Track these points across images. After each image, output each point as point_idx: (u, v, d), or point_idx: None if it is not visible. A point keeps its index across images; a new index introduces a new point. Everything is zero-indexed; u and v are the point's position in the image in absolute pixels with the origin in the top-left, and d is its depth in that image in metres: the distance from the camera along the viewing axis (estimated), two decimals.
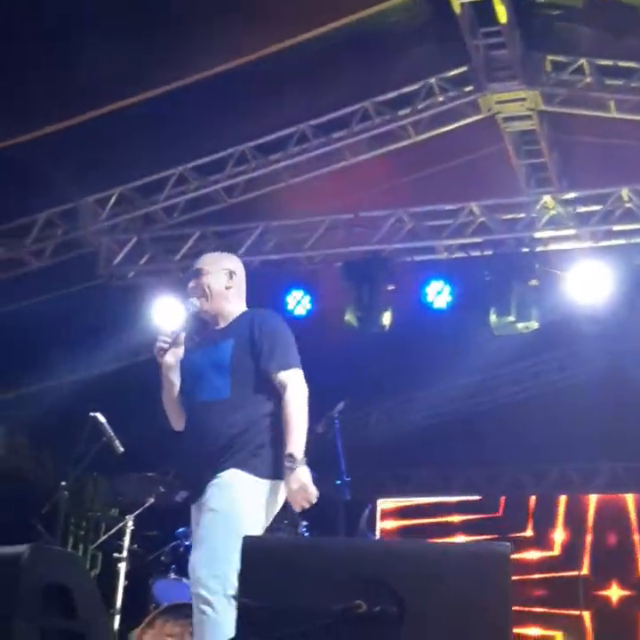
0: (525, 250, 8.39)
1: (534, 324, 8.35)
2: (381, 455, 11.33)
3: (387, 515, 12.33)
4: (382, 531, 12.12)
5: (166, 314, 8.96)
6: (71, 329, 8.91)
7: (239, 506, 3.96)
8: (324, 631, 3.04)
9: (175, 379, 4.30)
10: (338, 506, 6.34)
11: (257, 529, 4.05)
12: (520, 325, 8.37)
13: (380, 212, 8.55)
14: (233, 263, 4.42)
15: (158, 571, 6.75)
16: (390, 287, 8.59)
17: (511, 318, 8.31)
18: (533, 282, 8.29)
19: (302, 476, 3.97)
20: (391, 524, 12.28)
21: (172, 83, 7.00)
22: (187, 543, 6.70)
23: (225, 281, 4.33)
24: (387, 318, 8.68)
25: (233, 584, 3.78)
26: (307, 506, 4.05)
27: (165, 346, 4.23)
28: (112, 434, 6.28)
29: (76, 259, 8.51)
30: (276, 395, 4.12)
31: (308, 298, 9.12)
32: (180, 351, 4.28)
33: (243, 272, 4.45)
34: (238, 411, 4.06)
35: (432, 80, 7.94)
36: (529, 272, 8.30)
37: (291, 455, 3.96)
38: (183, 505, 7.17)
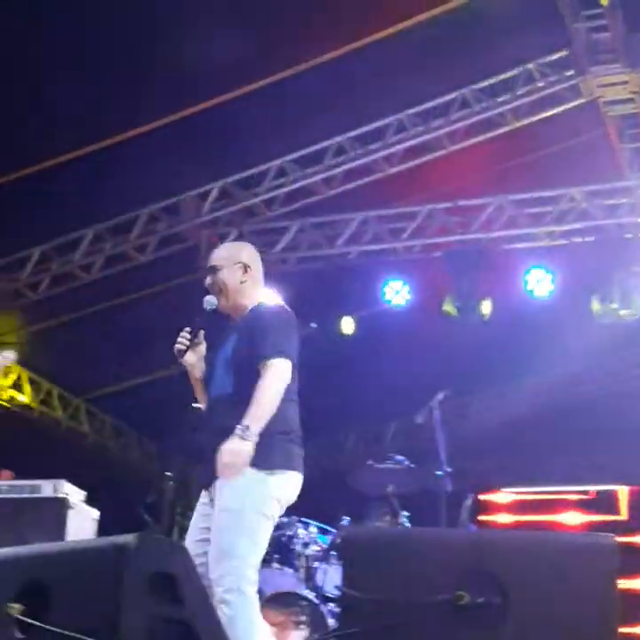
0: (628, 236, 8.23)
1: (638, 312, 8.19)
2: (482, 445, 11.23)
3: (492, 507, 12.19)
4: (486, 523, 11.99)
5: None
6: (173, 322, 9.04)
7: (247, 503, 3.94)
8: (426, 622, 3.04)
9: (200, 376, 4.30)
10: (439, 497, 6.31)
11: (269, 523, 4.05)
12: (623, 312, 8.21)
13: (478, 200, 8.48)
14: (247, 255, 4.35)
15: (262, 560, 6.80)
16: (490, 276, 8.51)
17: (614, 305, 8.17)
18: (637, 268, 8.12)
19: (243, 449, 3.90)
20: (498, 517, 12.15)
21: (275, 75, 7.04)
22: (289, 533, 6.75)
23: (240, 275, 4.26)
24: (486, 307, 8.60)
25: (248, 578, 3.87)
26: (226, 475, 3.93)
27: (183, 347, 4.24)
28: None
29: (179, 253, 8.63)
30: None
31: (406, 288, 9.10)
32: (202, 348, 4.29)
33: (258, 262, 4.39)
34: (242, 405, 3.99)
35: (531, 65, 7.83)
36: (632, 258, 8.13)
37: (246, 426, 3.90)
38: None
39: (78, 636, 2.97)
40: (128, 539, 3.11)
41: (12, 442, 9.61)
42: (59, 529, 6.37)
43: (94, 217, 8.38)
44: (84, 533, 6.54)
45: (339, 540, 6.60)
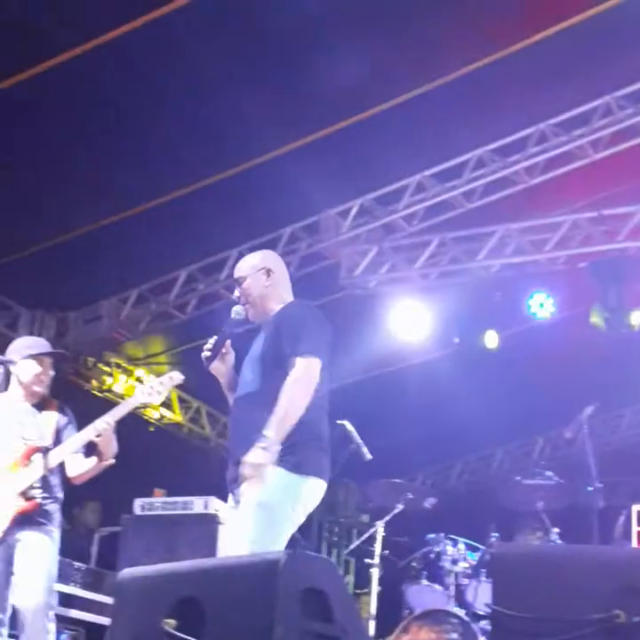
0: None
1: None
2: (636, 459, 10.92)
3: None
4: None
5: (408, 322, 9.03)
6: None
7: (279, 501, 3.90)
8: None
9: (229, 383, 4.29)
10: (591, 513, 6.17)
11: (290, 524, 3.99)
12: None
13: (624, 208, 8.27)
14: (268, 260, 4.37)
15: (410, 576, 6.79)
16: (638, 286, 8.29)
17: None
18: None
19: (264, 457, 3.82)
20: None
21: (413, 91, 7.04)
22: (437, 550, 6.71)
23: (263, 281, 4.28)
24: (636, 318, 8.38)
25: None
26: (252, 484, 3.86)
27: (209, 354, 4.21)
28: (360, 441, 6.39)
29: (320, 271, 8.70)
30: None
31: (551, 300, 8.94)
32: (231, 358, 4.28)
33: (281, 265, 4.41)
34: (270, 405, 3.93)
35: None
36: None
37: (266, 436, 3.83)
38: (432, 511, 7.23)
39: None
40: (279, 555, 3.14)
41: (162, 459, 9.86)
42: (210, 545, 6.48)
43: (237, 238, 8.54)
44: (235, 550, 6.62)
45: (488, 557, 6.52)
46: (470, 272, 8.71)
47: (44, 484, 5.01)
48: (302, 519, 4.05)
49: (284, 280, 4.37)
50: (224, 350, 4.25)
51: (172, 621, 3.22)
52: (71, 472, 5.10)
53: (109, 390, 9.94)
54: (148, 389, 5.21)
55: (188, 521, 6.68)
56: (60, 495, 5.10)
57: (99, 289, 8.87)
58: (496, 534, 6.73)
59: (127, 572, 3.65)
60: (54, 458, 4.99)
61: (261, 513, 3.87)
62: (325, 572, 3.33)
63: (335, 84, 6.81)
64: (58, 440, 5.11)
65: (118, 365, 10.00)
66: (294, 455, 3.92)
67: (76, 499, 5.17)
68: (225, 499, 6.86)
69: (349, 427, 6.39)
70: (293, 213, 8.38)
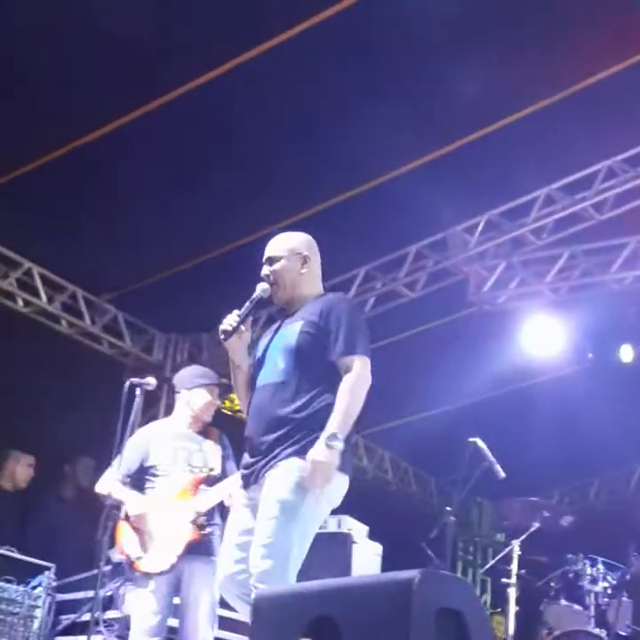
0: None
1: None
2: None
3: None
4: None
5: (539, 337, 8.90)
6: (446, 358, 9.08)
7: (306, 499, 3.80)
8: None
9: (243, 363, 4.14)
10: None
11: (316, 523, 3.94)
12: None
13: None
14: (306, 246, 4.25)
15: (548, 596, 6.66)
16: None
17: None
18: None
19: (333, 457, 3.76)
20: None
21: (539, 102, 6.96)
22: (576, 569, 6.58)
23: (299, 267, 4.17)
24: None
25: (292, 577, 3.75)
26: (318, 485, 3.78)
27: (230, 328, 4.04)
28: (493, 459, 6.31)
29: (447, 288, 8.65)
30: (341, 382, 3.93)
31: None
32: (247, 335, 4.11)
33: (317, 254, 4.29)
34: (301, 396, 3.89)
35: None
36: None
37: (333, 434, 3.75)
38: (569, 530, 7.08)
39: None
40: (413, 574, 3.13)
41: None
42: (344, 564, 6.49)
43: (364, 257, 8.56)
44: (368, 568, 6.64)
45: (629, 577, 6.36)
46: (603, 285, 8.53)
47: (209, 513, 5.10)
48: (326, 514, 4.06)
49: (317, 269, 4.29)
50: (244, 327, 4.10)
51: None
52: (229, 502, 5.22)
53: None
54: None
55: (322, 540, 6.70)
56: (220, 523, 5.18)
57: (230, 310, 8.99)
58: (636, 553, 6.55)
59: (263, 591, 3.69)
60: (225, 490, 5.06)
61: (287, 511, 3.78)
62: (460, 592, 3.30)
63: (461, 98, 6.78)
64: (223, 470, 5.21)
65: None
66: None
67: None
68: (356, 517, 6.90)
69: (481, 444, 6.32)
70: (419, 231, 8.36)
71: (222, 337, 4.04)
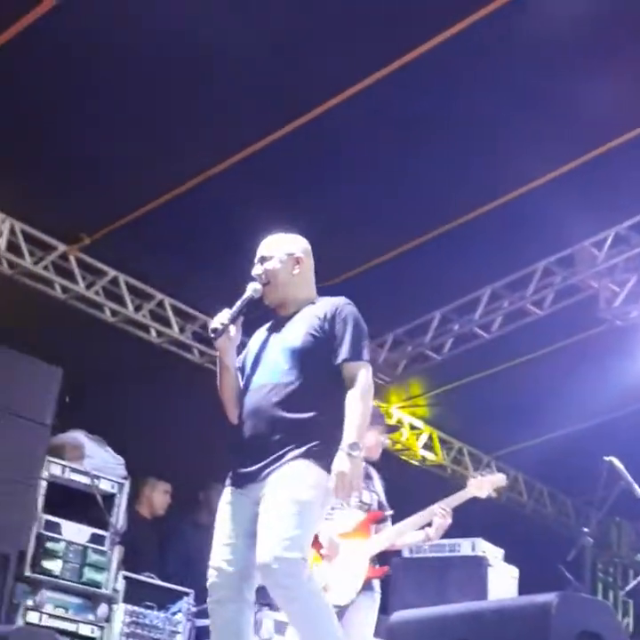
0: None
1: None
2: None
3: None
4: None
5: None
6: (577, 375, 8.93)
7: (312, 497, 3.74)
8: None
9: (231, 364, 4.04)
10: None
11: (319, 524, 3.90)
12: None
13: None
14: (301, 248, 4.18)
15: None
16: None
17: None
18: None
19: (357, 466, 3.71)
20: None
21: None
22: None
23: (291, 268, 4.11)
24: None
25: (305, 568, 3.66)
26: (344, 494, 3.73)
27: (220, 327, 3.94)
28: (630, 478, 6.18)
29: (576, 304, 8.52)
30: (343, 386, 3.88)
31: None
32: (237, 336, 4.02)
33: (311, 256, 4.21)
34: (307, 398, 3.84)
35: None
36: None
37: (354, 444, 3.72)
38: None
39: None
40: (551, 597, 3.10)
41: (425, 500, 9.89)
42: (480, 587, 6.45)
43: (490, 276, 8.51)
44: (504, 592, 6.57)
45: None
46: None
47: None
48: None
49: (310, 272, 4.23)
50: (234, 327, 4.02)
51: None
52: (397, 542, 5.33)
53: None
54: (479, 484, 5.48)
55: (457, 563, 6.68)
56: None
57: None
58: None
59: (399, 615, 3.70)
60: (400, 532, 5.21)
61: (302, 510, 3.72)
62: (601, 615, 3.26)
63: (586, 113, 6.69)
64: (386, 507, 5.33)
65: (381, 409, 10.15)
66: (330, 456, 3.82)
67: None
68: (491, 537, 6.84)
69: (617, 463, 6.20)
70: (547, 247, 8.26)
71: (212, 336, 3.99)
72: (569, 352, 8.87)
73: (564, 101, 6.65)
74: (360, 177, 7.20)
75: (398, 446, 10.31)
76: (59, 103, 6.44)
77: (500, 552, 6.86)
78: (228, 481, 3.98)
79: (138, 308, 8.32)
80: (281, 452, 3.82)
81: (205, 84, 6.35)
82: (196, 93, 6.43)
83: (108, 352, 8.07)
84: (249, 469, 3.87)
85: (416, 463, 10.52)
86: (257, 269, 4.11)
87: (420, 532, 5.29)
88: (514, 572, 6.83)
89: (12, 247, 7.57)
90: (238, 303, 4.01)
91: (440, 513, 5.22)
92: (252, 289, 4.05)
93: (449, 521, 5.25)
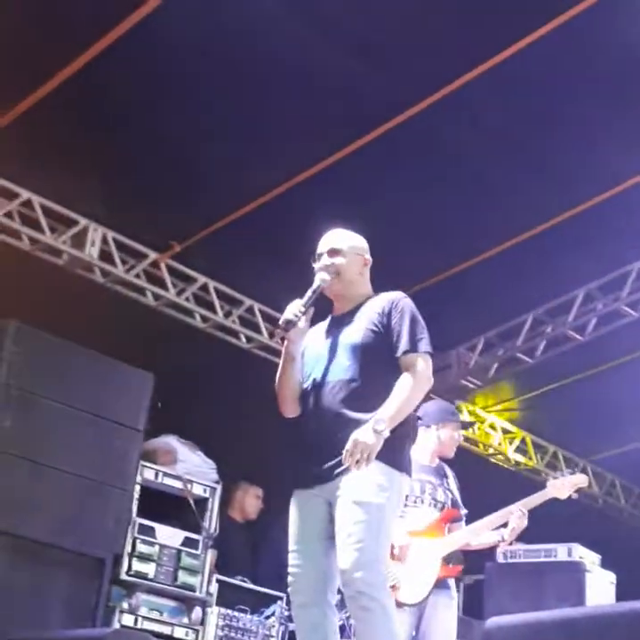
0: None
1: None
2: None
3: None
4: None
5: None
6: None
7: (386, 500, 3.68)
8: None
9: (298, 356, 4.00)
10: None
11: (394, 526, 3.83)
12: None
13: None
14: (366, 248, 4.18)
15: None
16: None
17: None
18: None
19: (378, 441, 3.61)
20: None
21: None
22: None
23: (359, 267, 4.10)
24: None
25: (386, 580, 3.67)
26: (354, 462, 3.60)
27: (295, 318, 3.88)
28: None
29: None
30: None
31: None
32: (306, 327, 3.97)
33: (371, 260, 4.19)
34: (372, 395, 3.75)
35: None
36: None
37: (382, 420, 3.63)
38: None
39: None
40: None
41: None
42: (578, 593, 6.33)
43: (584, 277, 8.38)
44: (603, 598, 6.45)
45: None
46: None
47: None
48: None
49: (368, 276, 4.20)
50: (305, 318, 3.98)
51: None
52: (472, 542, 5.24)
53: (466, 438, 10.02)
54: (559, 485, 5.43)
55: (553, 568, 6.57)
56: None
57: (446, 338, 8.97)
58: None
59: (495, 621, 3.63)
60: (475, 531, 5.15)
61: (378, 516, 3.68)
62: None
63: None
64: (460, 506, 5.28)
65: (470, 413, 10.06)
66: (400, 452, 3.80)
67: None
68: (588, 543, 6.71)
69: None
70: (590, 271, 8.16)
71: (284, 327, 3.94)
72: None
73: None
74: (452, 179, 7.17)
75: (490, 451, 10.21)
76: (149, 108, 6.52)
77: (597, 557, 6.73)
78: (295, 482, 3.98)
79: (228, 314, 8.39)
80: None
81: (296, 92, 6.36)
82: (284, 100, 6.45)
83: (199, 357, 8.15)
84: (318, 469, 3.83)
85: (510, 468, 10.39)
86: (326, 260, 4.09)
87: (495, 533, 5.20)
88: (612, 577, 6.69)
89: (105, 256, 7.70)
90: (308, 293, 3.99)
91: (517, 513, 5.12)
92: (320, 279, 4.03)
93: (525, 522, 5.15)
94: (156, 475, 6.56)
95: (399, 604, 4.83)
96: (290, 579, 3.88)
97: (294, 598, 3.87)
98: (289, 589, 3.89)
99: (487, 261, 7.85)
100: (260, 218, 7.30)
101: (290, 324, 3.92)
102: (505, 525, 5.17)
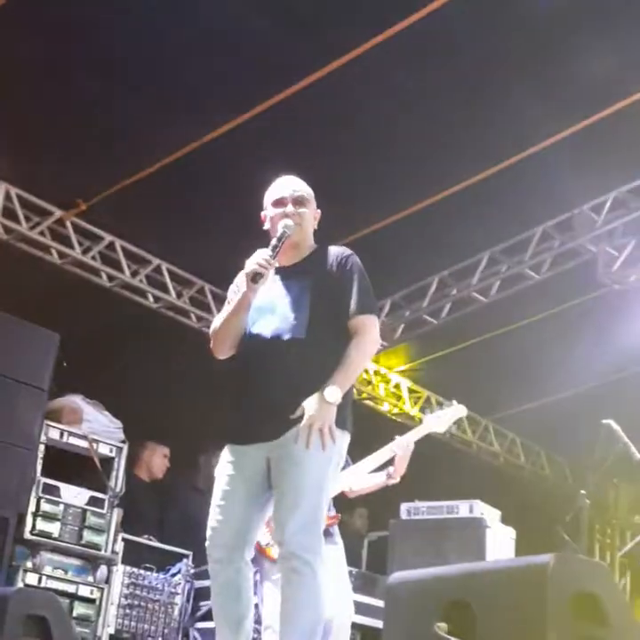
0: None
1: None
2: None
3: None
4: None
5: None
6: (576, 339, 8.93)
7: (328, 459, 3.70)
8: None
9: (250, 306, 3.92)
10: None
11: (334, 482, 3.89)
12: None
13: None
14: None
15: None
16: None
17: None
18: None
19: (330, 410, 3.67)
20: None
21: None
22: None
23: (314, 219, 4.10)
24: None
25: (322, 542, 3.68)
26: (311, 440, 3.64)
27: (265, 271, 3.81)
28: (627, 441, 6.21)
29: (575, 269, 8.50)
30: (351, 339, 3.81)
31: None
32: (269, 277, 3.87)
33: None
34: (319, 354, 3.75)
35: None
36: None
37: (334, 388, 3.67)
38: None
39: None
40: (547, 558, 3.11)
41: (428, 465, 9.92)
42: (478, 549, 6.48)
43: (489, 240, 8.49)
44: (502, 553, 6.61)
45: None
46: None
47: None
48: None
49: None
50: (271, 267, 3.87)
51: (444, 625, 3.25)
52: (354, 486, 5.19)
53: (371, 397, 10.13)
54: (436, 418, 5.41)
55: (455, 524, 6.71)
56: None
57: None
58: None
59: (398, 576, 3.71)
60: (355, 473, 5.09)
61: (318, 479, 3.70)
62: (597, 575, 3.27)
63: (590, 75, 6.62)
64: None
65: (376, 373, 10.17)
66: (343, 411, 3.80)
67: (345, 506, 5.29)
68: (489, 499, 6.86)
69: (615, 426, 6.23)
70: (545, 211, 8.23)
71: (253, 280, 3.82)
72: (567, 316, 8.87)
73: (564, 66, 6.59)
74: (360, 142, 7.17)
75: (395, 410, 10.34)
76: (55, 63, 6.38)
77: (497, 514, 6.89)
78: (230, 438, 3.89)
79: (135, 274, 8.30)
80: (294, 410, 3.72)
81: (206, 51, 6.28)
82: (194, 59, 6.37)
83: (105, 317, 8.07)
84: (258, 427, 3.78)
85: (414, 426, 10.52)
86: (291, 208, 4.01)
87: (380, 474, 5.18)
88: (511, 533, 6.86)
89: (8, 212, 7.54)
90: (274, 242, 3.90)
91: (400, 446, 5.12)
92: (284, 226, 3.94)
93: (409, 452, 5.13)
94: (62, 434, 6.51)
95: (274, 562, 4.81)
96: (209, 533, 3.83)
97: (211, 553, 3.83)
98: (207, 544, 3.84)
99: (393, 225, 7.89)
100: (168, 176, 7.21)
101: (258, 276, 3.82)
102: (392, 464, 5.16)
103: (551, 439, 11.48)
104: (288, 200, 4.03)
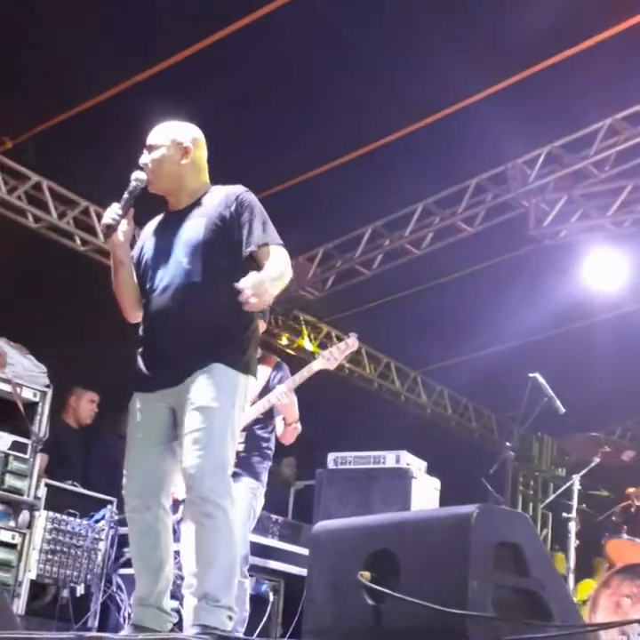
0: None
1: None
2: None
3: None
4: None
5: (601, 270, 8.76)
6: (506, 294, 8.99)
7: (231, 404, 3.71)
8: None
9: (126, 258, 3.91)
10: None
11: (240, 428, 3.94)
12: None
13: None
14: (190, 138, 3.96)
15: (609, 530, 6.64)
16: None
17: None
18: None
19: (269, 288, 3.65)
20: None
21: (599, 35, 6.74)
22: (638, 503, 6.53)
23: (179, 157, 3.90)
24: None
25: (231, 484, 3.70)
26: (253, 305, 3.61)
27: (113, 222, 3.80)
28: (552, 394, 6.28)
29: (507, 222, 8.54)
30: None
31: None
32: (130, 229, 3.88)
33: (202, 147, 4.01)
34: (215, 298, 3.73)
35: None
36: None
37: (275, 278, 3.69)
38: (630, 464, 7.02)
39: (426, 603, 3.02)
40: (471, 509, 3.13)
41: (353, 415, 9.98)
42: (403, 499, 6.52)
43: (423, 191, 8.47)
44: (427, 503, 6.67)
45: None
46: None
47: (248, 437, 5.09)
48: None
49: (202, 162, 4.01)
50: (126, 220, 3.85)
51: (368, 573, 3.26)
52: (277, 432, 5.24)
53: (300, 348, 10.11)
54: (327, 355, 5.25)
55: (382, 474, 6.74)
56: (267, 451, 5.22)
57: (285, 248, 8.96)
58: None
59: (322, 525, 3.71)
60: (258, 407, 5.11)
61: (225, 421, 3.70)
62: (519, 526, 3.30)
63: (521, 30, 6.60)
64: (264, 395, 5.20)
65: (307, 323, 10.15)
66: (245, 355, 3.80)
67: (274, 455, 5.31)
68: (416, 450, 6.92)
69: (541, 379, 6.29)
70: (479, 164, 8.23)
71: (105, 232, 3.85)
72: (498, 270, 8.92)
73: (497, 18, 6.56)
74: (292, 91, 7.08)
75: None
76: None
77: (423, 464, 6.94)
78: (137, 386, 3.89)
79: (62, 215, 8.12)
80: (193, 356, 3.71)
81: None
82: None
83: (31, 259, 7.89)
84: (161, 374, 3.78)
85: (343, 376, 10.56)
86: (143, 158, 3.93)
87: (279, 422, 5.22)
88: (436, 483, 6.92)
89: None
90: (125, 195, 3.86)
91: (280, 396, 5.09)
92: (134, 178, 3.89)
93: (286, 400, 5.08)
94: None
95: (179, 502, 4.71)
96: (124, 481, 3.83)
97: (128, 501, 3.82)
98: (123, 492, 3.83)
99: (328, 173, 7.84)
100: (96, 116, 7.04)
101: (110, 228, 3.82)
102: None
103: (479, 393, 11.62)
104: (145, 149, 3.96)
